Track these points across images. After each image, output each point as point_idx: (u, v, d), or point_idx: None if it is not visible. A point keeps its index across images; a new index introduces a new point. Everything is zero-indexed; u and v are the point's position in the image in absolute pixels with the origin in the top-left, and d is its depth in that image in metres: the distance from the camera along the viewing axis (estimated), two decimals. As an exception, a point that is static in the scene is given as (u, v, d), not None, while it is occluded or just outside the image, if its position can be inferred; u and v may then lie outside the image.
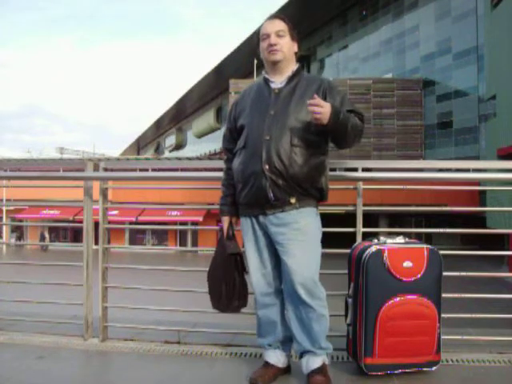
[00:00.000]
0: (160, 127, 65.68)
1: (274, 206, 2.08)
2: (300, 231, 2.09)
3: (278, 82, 2.18)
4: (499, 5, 18.99)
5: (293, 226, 2.09)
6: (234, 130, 2.25)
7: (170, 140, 63.84)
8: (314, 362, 2.12)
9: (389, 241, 2.22)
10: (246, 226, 2.21)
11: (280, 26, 2.16)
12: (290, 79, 2.17)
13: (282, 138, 2.05)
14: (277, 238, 2.12)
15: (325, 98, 2.09)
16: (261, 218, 2.14)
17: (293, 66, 2.20)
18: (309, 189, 2.11)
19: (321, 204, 2.24)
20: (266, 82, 2.21)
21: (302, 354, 2.18)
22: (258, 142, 2.07)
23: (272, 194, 2.06)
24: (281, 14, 2.23)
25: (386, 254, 2.14)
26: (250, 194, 2.10)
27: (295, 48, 2.22)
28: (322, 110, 1.95)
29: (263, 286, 2.20)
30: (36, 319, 3.01)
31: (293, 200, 2.08)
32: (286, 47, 2.15)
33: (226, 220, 2.26)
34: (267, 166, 2.04)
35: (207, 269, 2.31)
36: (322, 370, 2.11)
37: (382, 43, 32.49)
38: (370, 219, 24.88)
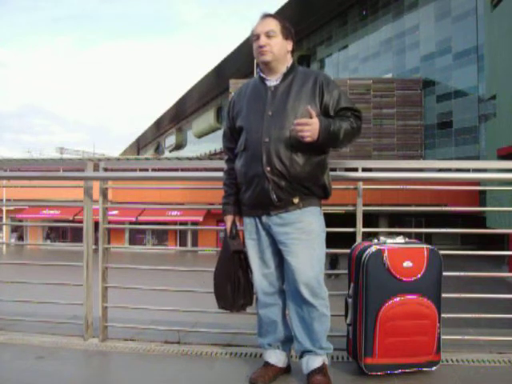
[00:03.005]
0: (160, 127, 65.67)
1: (277, 206, 2.07)
2: (304, 230, 2.08)
3: (273, 79, 2.14)
4: (499, 5, 18.99)
5: (296, 225, 2.08)
6: (234, 129, 2.23)
7: (170, 140, 63.84)
8: (314, 362, 2.12)
9: (389, 241, 2.22)
10: (249, 226, 2.20)
11: (271, 25, 2.10)
12: (286, 75, 2.13)
13: (281, 139, 2.03)
14: (280, 238, 2.11)
15: (322, 93, 2.08)
16: (264, 219, 2.13)
17: (287, 64, 2.15)
18: (312, 187, 2.10)
19: (321, 204, 2.23)
20: (262, 79, 2.18)
21: (302, 354, 2.17)
22: (257, 145, 2.05)
23: (275, 196, 2.05)
24: (273, 13, 2.17)
25: (385, 254, 2.14)
26: (254, 195, 2.09)
27: (289, 47, 2.16)
28: (311, 128, 1.95)
29: (265, 285, 2.20)
30: (36, 319, 3.01)
31: (296, 200, 2.07)
32: (276, 48, 2.09)
33: (229, 219, 2.24)
34: (268, 168, 2.03)
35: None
36: (322, 369, 2.11)
37: (382, 43, 32.47)
38: (370, 219, 24.89)
